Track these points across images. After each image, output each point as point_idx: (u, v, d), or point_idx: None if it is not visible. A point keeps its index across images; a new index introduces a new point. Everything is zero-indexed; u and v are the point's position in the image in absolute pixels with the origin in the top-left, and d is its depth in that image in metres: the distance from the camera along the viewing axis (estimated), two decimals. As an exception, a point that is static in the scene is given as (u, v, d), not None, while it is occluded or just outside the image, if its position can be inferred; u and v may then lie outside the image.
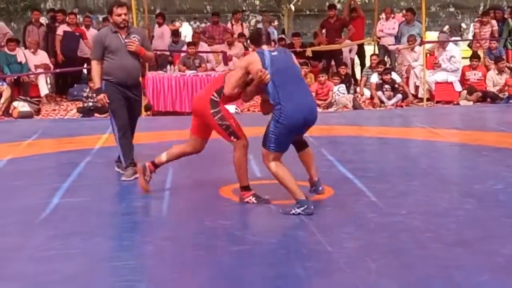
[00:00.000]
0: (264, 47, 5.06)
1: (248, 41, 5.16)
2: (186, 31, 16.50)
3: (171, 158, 5.69)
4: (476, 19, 14.51)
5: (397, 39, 13.49)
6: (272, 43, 5.22)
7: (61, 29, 13.08)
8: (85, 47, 12.91)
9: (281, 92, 4.86)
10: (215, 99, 5.27)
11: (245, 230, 4.67)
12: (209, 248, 4.30)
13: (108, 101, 6.29)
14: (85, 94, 11.14)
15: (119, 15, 6.25)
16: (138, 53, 6.31)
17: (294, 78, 5.00)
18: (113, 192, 6.06)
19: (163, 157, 5.69)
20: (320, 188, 5.36)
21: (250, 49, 5.23)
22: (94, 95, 6.65)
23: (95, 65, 6.35)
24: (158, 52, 13.02)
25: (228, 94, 5.09)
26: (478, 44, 13.28)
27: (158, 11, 25.03)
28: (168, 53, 13.48)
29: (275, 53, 5.00)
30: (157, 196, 5.67)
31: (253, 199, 5.30)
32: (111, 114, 6.43)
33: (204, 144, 5.61)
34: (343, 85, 11.91)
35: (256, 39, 5.16)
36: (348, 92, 12.04)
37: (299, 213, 4.88)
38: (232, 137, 5.32)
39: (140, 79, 6.65)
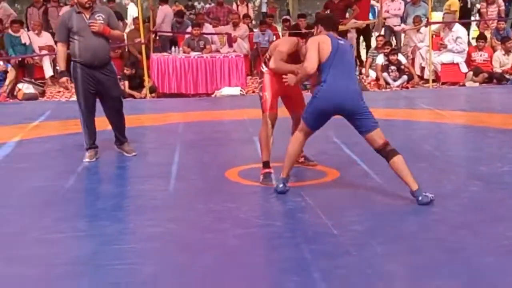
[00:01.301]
0: (332, 33, 5.07)
1: (318, 23, 5.15)
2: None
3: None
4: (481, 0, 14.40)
5: (403, 19, 13.39)
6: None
7: (63, 10, 13.03)
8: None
9: (330, 73, 4.88)
10: (263, 70, 5.58)
11: (250, 213, 4.66)
12: (214, 231, 4.30)
13: (70, 84, 6.31)
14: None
15: None
16: (102, 33, 6.23)
17: (346, 67, 4.97)
18: (119, 174, 6.08)
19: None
20: None
21: (314, 31, 5.18)
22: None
23: (60, 47, 6.33)
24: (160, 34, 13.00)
25: (311, 72, 4.97)
26: (486, 25, 13.18)
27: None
28: (170, 34, 13.42)
29: (342, 41, 5.04)
30: (163, 179, 5.67)
31: (261, 178, 5.39)
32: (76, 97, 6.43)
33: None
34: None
35: (328, 23, 5.14)
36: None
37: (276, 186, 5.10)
38: (261, 109, 5.54)
39: (111, 58, 6.54)
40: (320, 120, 5.03)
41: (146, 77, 11.03)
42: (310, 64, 4.89)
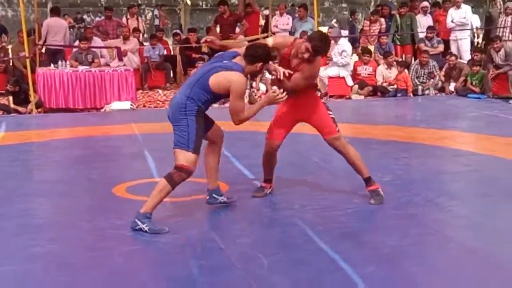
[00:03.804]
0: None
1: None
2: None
3: None
4: (365, 18, 15.02)
5: (291, 34, 13.68)
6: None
7: None
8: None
9: None
10: None
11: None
12: (99, 249, 4.21)
13: None
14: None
15: None
16: None
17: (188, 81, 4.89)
18: (2, 194, 5.83)
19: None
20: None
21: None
22: None
23: None
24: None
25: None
26: (367, 40, 13.71)
27: (50, 4, 24.33)
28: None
29: (218, 63, 4.78)
30: (47, 197, 5.51)
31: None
32: None
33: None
34: (239, 80, 11.95)
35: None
36: (244, 87, 12.10)
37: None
38: None
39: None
40: None
41: (31, 92, 10.68)
42: None
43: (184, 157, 4.56)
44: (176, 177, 4.58)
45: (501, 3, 13.90)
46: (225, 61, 4.76)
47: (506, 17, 12.84)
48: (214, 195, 5.07)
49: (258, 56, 4.71)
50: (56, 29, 12.57)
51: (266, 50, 4.77)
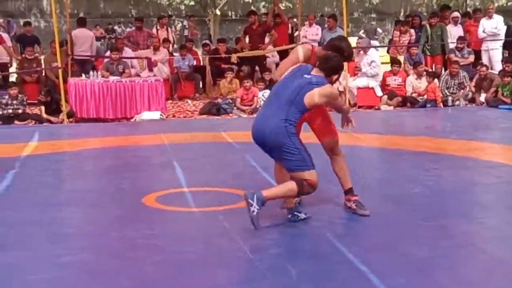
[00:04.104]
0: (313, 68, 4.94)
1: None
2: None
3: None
4: (395, 28, 14.94)
5: (321, 45, 13.68)
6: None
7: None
8: (3, 52, 12.55)
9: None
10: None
11: (167, 240, 4.62)
12: (130, 259, 4.25)
13: None
14: (4, 101, 10.82)
15: None
16: None
17: (270, 99, 4.94)
18: (33, 202, 5.91)
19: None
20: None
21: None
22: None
23: None
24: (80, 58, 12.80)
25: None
26: (396, 51, 13.64)
27: (81, 14, 24.65)
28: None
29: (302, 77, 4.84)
30: (78, 206, 5.57)
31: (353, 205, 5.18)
32: None
33: None
34: (268, 91, 12.00)
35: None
36: (273, 98, 12.13)
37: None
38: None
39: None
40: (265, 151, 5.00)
41: (63, 102, 10.83)
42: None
43: (309, 174, 4.72)
44: (305, 188, 4.74)
45: None
46: (306, 76, 4.80)
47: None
48: (296, 213, 5.00)
49: (335, 69, 4.86)
50: (82, 40, 12.80)
51: (340, 62, 4.88)
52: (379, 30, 19.99)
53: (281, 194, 4.78)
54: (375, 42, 15.62)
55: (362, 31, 17.72)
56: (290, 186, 4.73)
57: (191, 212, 5.34)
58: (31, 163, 7.42)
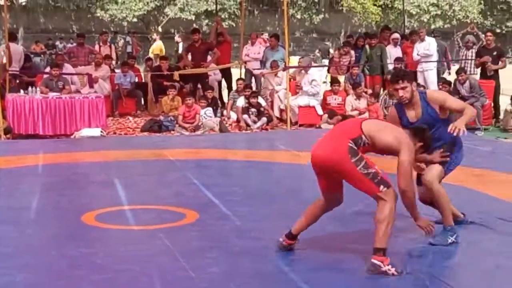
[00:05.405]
0: None
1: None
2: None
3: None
4: (335, 50, 15.23)
5: (262, 63, 13.81)
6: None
7: None
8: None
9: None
10: (354, 147, 4.49)
11: (107, 258, 4.57)
12: (70, 278, 4.18)
13: None
14: None
15: None
16: None
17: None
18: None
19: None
20: None
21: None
22: None
23: None
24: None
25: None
26: (336, 71, 13.89)
27: (21, 29, 24.23)
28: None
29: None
30: (15, 225, 5.45)
31: (393, 270, 4.29)
32: None
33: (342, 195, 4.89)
34: (210, 108, 12.03)
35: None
36: (215, 115, 12.17)
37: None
38: (381, 187, 4.44)
39: None
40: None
41: (0, 118, 10.59)
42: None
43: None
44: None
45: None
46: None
47: (467, 51, 13.11)
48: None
49: None
50: (13, 55, 12.55)
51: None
52: (331, 50, 20.72)
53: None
54: (326, 61, 15.86)
55: (317, 50, 18.07)
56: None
57: (131, 230, 5.29)
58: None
